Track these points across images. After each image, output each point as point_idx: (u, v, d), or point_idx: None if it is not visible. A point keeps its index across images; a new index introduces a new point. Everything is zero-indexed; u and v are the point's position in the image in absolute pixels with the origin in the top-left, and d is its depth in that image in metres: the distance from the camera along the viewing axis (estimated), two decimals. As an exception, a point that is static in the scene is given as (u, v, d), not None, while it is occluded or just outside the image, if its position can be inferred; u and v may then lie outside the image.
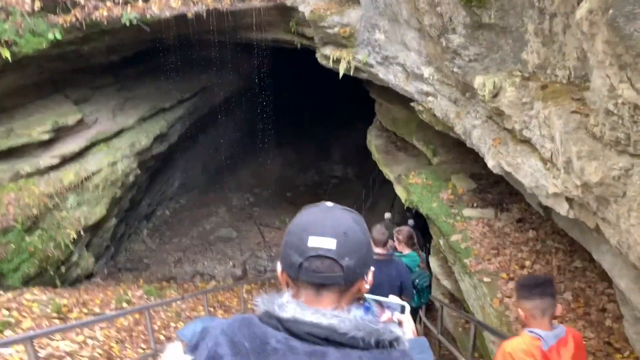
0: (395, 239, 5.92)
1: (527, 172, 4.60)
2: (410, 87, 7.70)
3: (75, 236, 12.28)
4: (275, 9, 12.77)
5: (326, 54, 10.49)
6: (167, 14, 11.40)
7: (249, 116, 24.67)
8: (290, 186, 24.00)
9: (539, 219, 6.95)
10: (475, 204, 7.71)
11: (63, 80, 13.07)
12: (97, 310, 9.41)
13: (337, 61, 9.92)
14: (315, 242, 1.13)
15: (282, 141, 27.40)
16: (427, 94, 7.24)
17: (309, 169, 25.90)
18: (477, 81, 4.96)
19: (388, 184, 20.42)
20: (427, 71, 7.09)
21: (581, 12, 3.01)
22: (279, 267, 1.24)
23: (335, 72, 10.76)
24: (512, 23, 4.75)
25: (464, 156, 9.30)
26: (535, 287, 2.89)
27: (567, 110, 3.81)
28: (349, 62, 9.46)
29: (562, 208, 4.35)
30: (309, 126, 27.86)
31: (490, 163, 5.14)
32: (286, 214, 20.71)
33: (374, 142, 13.67)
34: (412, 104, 8.01)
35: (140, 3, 11.13)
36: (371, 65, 9.01)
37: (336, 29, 9.72)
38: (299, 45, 13.18)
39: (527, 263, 6.01)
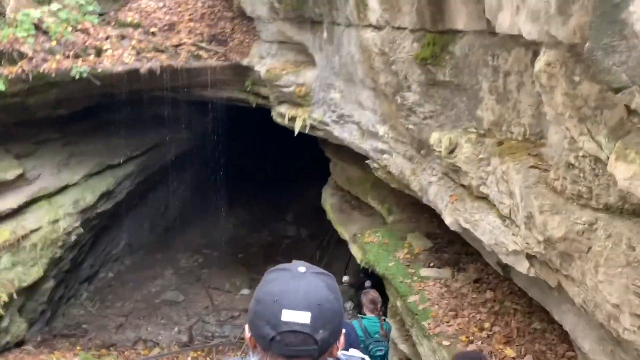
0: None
1: (485, 229, 4.52)
2: (365, 145, 7.70)
3: (6, 299, 11.33)
4: (230, 68, 12.82)
5: (281, 112, 10.49)
6: (120, 68, 11.22)
7: (200, 175, 24.23)
8: (242, 247, 23.35)
9: (496, 278, 6.88)
10: (431, 264, 7.60)
11: (4, 134, 12.44)
12: (24, 382, 8.54)
13: (293, 119, 9.92)
14: (289, 316, 1.11)
15: (234, 200, 26.95)
16: (382, 151, 7.23)
17: (261, 229, 25.40)
18: (433, 137, 4.95)
19: (343, 244, 20.16)
20: (382, 129, 7.12)
21: (539, 64, 3.02)
22: (247, 330, 1.22)
23: (290, 130, 10.76)
24: (466, 81, 4.81)
25: (419, 215, 9.28)
26: None
27: (525, 165, 3.78)
28: (304, 121, 9.46)
29: (522, 266, 4.25)
30: (262, 185, 27.64)
31: (448, 220, 5.06)
32: (237, 275, 20.04)
33: (328, 200, 13.57)
34: (367, 161, 8.00)
35: (91, 57, 10.92)
36: (327, 124, 9.02)
37: (292, 88, 9.77)
38: (254, 104, 13.19)
39: (486, 325, 5.86)
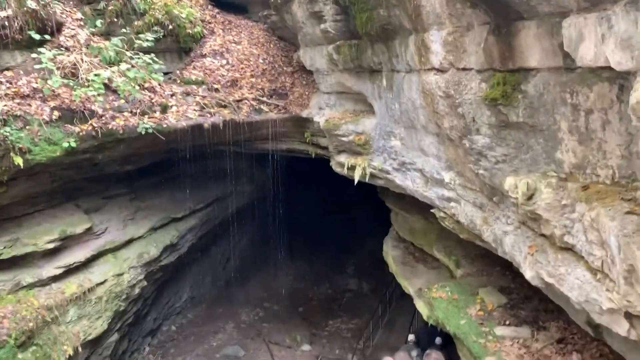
0: None
1: (573, 284, 4.01)
2: (430, 193, 7.32)
3: (72, 353, 11.42)
4: (290, 120, 12.94)
5: (341, 162, 10.32)
6: (184, 124, 11.52)
7: (261, 227, 24.36)
8: (302, 300, 22.92)
9: (582, 339, 6.17)
10: (507, 322, 6.96)
11: (75, 189, 12.96)
12: None
13: (352, 168, 9.72)
14: None
15: (294, 253, 26.82)
16: (449, 199, 6.83)
17: (322, 283, 24.93)
18: (508, 183, 4.55)
19: (406, 299, 19.44)
20: (447, 176, 6.75)
21: (636, 96, 2.64)
22: None
23: (350, 180, 10.56)
24: (542, 121, 4.43)
25: (491, 268, 8.67)
26: None
27: (620, 211, 3.33)
28: (364, 169, 9.23)
29: (620, 327, 3.70)
30: (322, 237, 27.40)
31: (529, 274, 4.56)
32: (297, 330, 19.55)
33: (390, 253, 13.08)
34: (432, 210, 7.59)
35: (157, 114, 11.30)
36: (387, 172, 8.74)
37: (351, 137, 9.62)
38: (313, 155, 13.16)
39: (577, 392, 5.18)
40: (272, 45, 14.57)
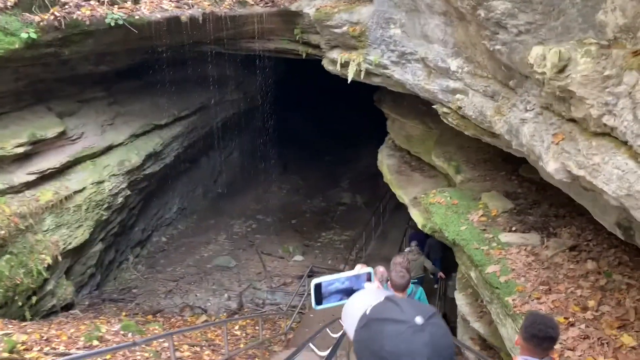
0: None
1: (611, 175, 3.23)
2: (432, 86, 6.41)
3: (50, 262, 10.96)
4: (278, 15, 11.67)
5: (333, 58, 9.29)
6: (159, 16, 10.30)
7: (253, 139, 23.58)
8: (295, 213, 22.60)
9: (598, 245, 5.54)
10: (513, 228, 6.32)
11: (46, 91, 11.94)
12: (61, 349, 8.02)
13: (346, 65, 8.70)
14: None
15: (287, 166, 26.27)
16: (455, 91, 5.94)
17: (315, 196, 24.55)
18: (534, 54, 3.65)
19: (399, 211, 19.08)
20: (454, 64, 5.82)
21: None
22: None
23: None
24: (583, -28, 3.46)
25: (494, 173, 7.96)
26: (545, 341, 2.94)
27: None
28: (359, 65, 8.23)
29: (668, 226, 2.96)
30: (315, 150, 26.75)
31: (552, 166, 3.78)
32: (290, 242, 19.32)
33: (385, 162, 12.34)
34: (434, 106, 6.71)
35: (128, 4, 10.05)
36: (385, 67, 7.76)
37: (345, 28, 8.52)
38: (304, 54, 12.02)
39: (591, 303, 4.59)
40: None
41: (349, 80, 8.71)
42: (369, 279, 1.55)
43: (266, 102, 20.44)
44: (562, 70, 3.45)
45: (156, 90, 14.90)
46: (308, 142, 26.91)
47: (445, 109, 6.35)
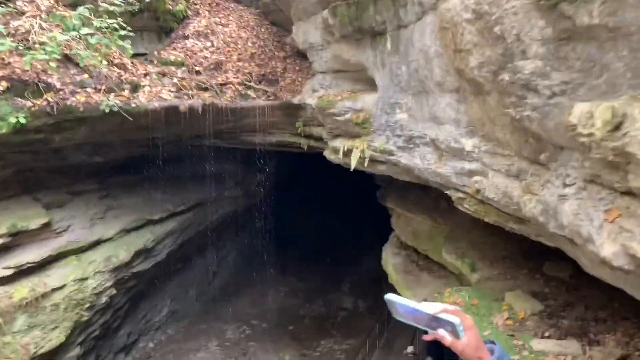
0: None
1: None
2: (445, 169, 5.81)
3: (16, 369, 9.75)
4: (280, 108, 11.49)
5: (335, 147, 8.83)
6: (156, 104, 10.05)
7: (250, 238, 22.80)
8: (293, 318, 21.21)
9: (654, 357, 4.61)
10: (546, 333, 5.39)
11: (35, 181, 11.42)
12: None
13: (349, 153, 8.20)
14: None
15: (286, 267, 25.22)
16: (472, 172, 5.31)
17: (314, 300, 23.23)
18: (577, 112, 3.05)
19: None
20: (469, 143, 5.25)
21: None
22: None
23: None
24: (631, 19, 2.95)
25: (515, 271, 7.13)
26: None
27: None
28: (362, 152, 7.72)
29: None
30: (316, 251, 25.84)
31: (608, 250, 3.02)
32: (287, 350, 17.83)
33: (390, 261, 11.49)
34: (447, 192, 6.05)
35: (126, 92, 9.83)
36: (391, 153, 7.23)
37: (348, 115, 8.14)
38: (305, 147, 11.67)
39: None
40: (263, 30, 13.21)
41: (352, 168, 8.16)
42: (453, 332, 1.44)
43: (266, 200, 19.97)
44: (616, 128, 2.81)
45: (152, 185, 14.42)
46: (308, 242, 26.11)
47: (460, 194, 5.70)
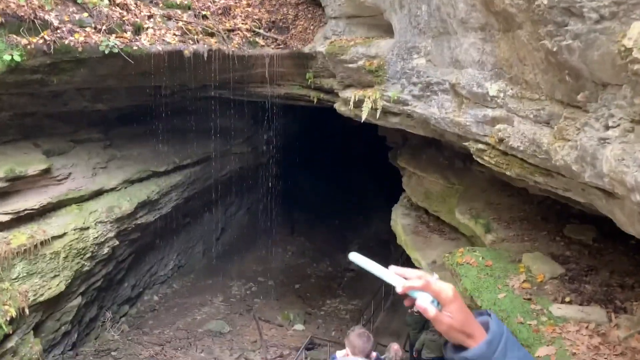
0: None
1: None
2: (464, 118, 5.28)
3: (14, 314, 9.60)
4: (290, 57, 10.89)
5: (346, 98, 8.28)
6: (160, 48, 9.51)
7: (259, 196, 22.52)
8: (299, 277, 21.13)
9: (688, 327, 4.18)
10: (567, 298, 4.97)
11: (36, 127, 11.06)
12: None
13: (360, 104, 7.67)
14: None
15: (294, 228, 25.02)
16: (495, 120, 4.79)
17: (322, 260, 23.09)
18: (636, 32, 2.51)
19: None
20: (494, 87, 4.71)
21: None
22: None
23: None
24: None
25: (533, 233, 6.67)
26: None
27: None
28: (374, 102, 7.18)
29: None
30: (325, 213, 25.55)
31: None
32: (291, 308, 17.74)
33: (400, 221, 11.08)
34: (466, 143, 5.55)
35: (128, 34, 9.29)
36: (405, 102, 6.70)
37: (360, 62, 7.57)
38: (315, 100, 11.12)
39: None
40: (275, -26, 12.45)
41: (362, 119, 7.63)
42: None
43: (275, 158, 19.56)
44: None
45: (157, 136, 14.00)
46: (317, 204, 25.77)
47: (480, 145, 5.19)
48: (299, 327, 16.31)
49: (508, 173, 4.84)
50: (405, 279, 1.34)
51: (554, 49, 3.38)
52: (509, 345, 1.28)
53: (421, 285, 1.30)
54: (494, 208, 7.75)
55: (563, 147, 3.56)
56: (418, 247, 9.67)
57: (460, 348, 1.31)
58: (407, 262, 12.52)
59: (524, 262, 5.76)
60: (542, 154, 3.94)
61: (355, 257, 1.45)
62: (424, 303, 1.29)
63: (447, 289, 1.29)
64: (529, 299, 5.02)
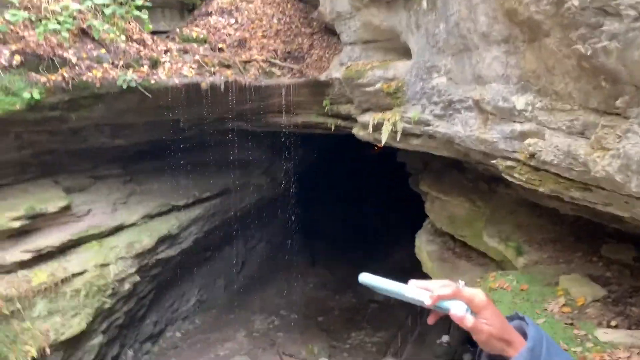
0: None
1: None
2: (491, 134, 5.07)
3: (35, 354, 9.45)
4: (306, 86, 10.86)
5: (364, 122, 8.14)
6: (177, 81, 9.56)
7: (279, 228, 22.36)
8: (322, 309, 20.70)
9: None
10: (612, 322, 4.63)
11: (56, 164, 11.12)
12: None
13: (379, 127, 7.51)
14: None
15: (314, 259, 24.69)
16: (524, 135, 4.57)
17: (344, 291, 22.63)
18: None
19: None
20: (521, 101, 4.51)
21: None
22: None
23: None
24: None
25: (568, 254, 6.34)
26: None
27: None
28: (394, 125, 7.02)
29: None
30: (345, 244, 25.22)
31: None
32: (315, 341, 17.31)
33: (425, 248, 10.76)
34: (494, 161, 5.31)
35: (145, 68, 9.36)
36: (427, 123, 6.52)
37: (378, 85, 7.45)
38: (332, 127, 11.01)
39: None
40: (289, 6, 12.55)
41: (382, 143, 7.46)
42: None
43: (294, 189, 19.45)
44: None
45: (176, 171, 14.00)
46: (337, 234, 25.50)
47: (509, 163, 4.95)
48: (324, 361, 15.87)
49: (541, 190, 4.58)
50: (429, 291, 1.20)
51: (588, 53, 3.18)
52: (552, 350, 1.15)
53: (451, 292, 1.18)
54: (524, 230, 7.44)
55: (603, 157, 3.32)
56: (445, 274, 9.31)
57: (496, 358, 1.19)
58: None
59: (561, 285, 5.42)
60: (579, 166, 3.71)
61: (367, 278, 1.29)
62: (460, 312, 1.16)
63: (479, 293, 1.19)
64: (571, 324, 4.68)
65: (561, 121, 4.02)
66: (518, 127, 4.59)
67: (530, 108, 4.41)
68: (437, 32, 6.08)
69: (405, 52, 7.78)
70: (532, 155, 4.34)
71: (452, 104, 5.85)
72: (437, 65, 6.24)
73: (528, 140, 4.45)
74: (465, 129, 5.56)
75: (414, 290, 1.22)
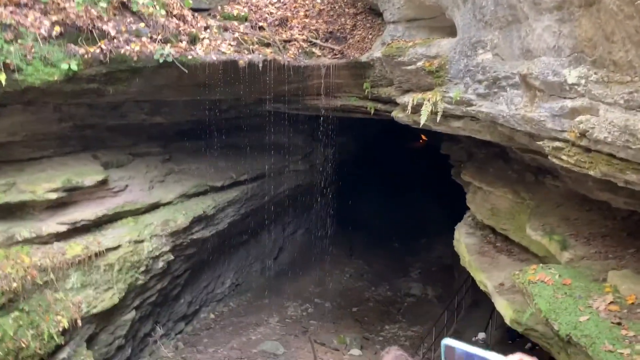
0: None
1: None
2: (538, 113, 4.62)
3: (67, 325, 9.56)
4: (347, 67, 10.52)
5: (404, 103, 7.75)
6: (214, 57, 9.39)
7: (318, 216, 22.13)
8: (357, 300, 20.41)
9: None
10: (668, 324, 4.16)
11: (96, 139, 11.23)
12: None
13: (418, 108, 7.11)
14: None
15: (352, 250, 24.41)
16: (575, 111, 4.11)
17: (380, 284, 22.28)
18: None
19: (477, 309, 16.43)
20: (573, 74, 4.05)
21: None
22: None
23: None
24: None
25: (619, 250, 5.81)
26: None
27: None
28: (434, 105, 6.60)
29: None
30: (384, 236, 24.81)
31: None
32: (348, 332, 17.05)
33: (463, 241, 10.28)
34: (539, 143, 4.85)
35: (183, 44, 9.24)
36: (469, 102, 6.09)
37: (420, 63, 7.04)
38: (372, 111, 10.65)
39: None
40: (333, -15, 12.22)
41: (421, 124, 7.05)
42: None
43: (333, 177, 19.19)
44: None
45: (215, 152, 13.96)
46: (376, 225, 25.12)
47: (557, 143, 4.49)
48: (356, 352, 15.60)
49: (592, 173, 4.11)
50: None
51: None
52: None
53: None
54: (571, 224, 6.91)
55: (667, 131, 2.87)
56: (484, 269, 8.84)
57: None
58: (472, 287, 11.64)
59: (609, 282, 4.92)
60: (637, 144, 3.25)
61: (451, 343, 1.37)
62: None
63: None
64: (619, 323, 4.22)
65: (618, 94, 3.56)
66: (569, 103, 4.13)
67: (583, 82, 3.95)
68: (485, 4, 5.62)
69: (449, 32, 7.34)
70: (582, 134, 3.89)
71: (497, 81, 5.40)
72: (482, 41, 5.80)
73: (579, 118, 3.99)
74: (510, 108, 5.11)
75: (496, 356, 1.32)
